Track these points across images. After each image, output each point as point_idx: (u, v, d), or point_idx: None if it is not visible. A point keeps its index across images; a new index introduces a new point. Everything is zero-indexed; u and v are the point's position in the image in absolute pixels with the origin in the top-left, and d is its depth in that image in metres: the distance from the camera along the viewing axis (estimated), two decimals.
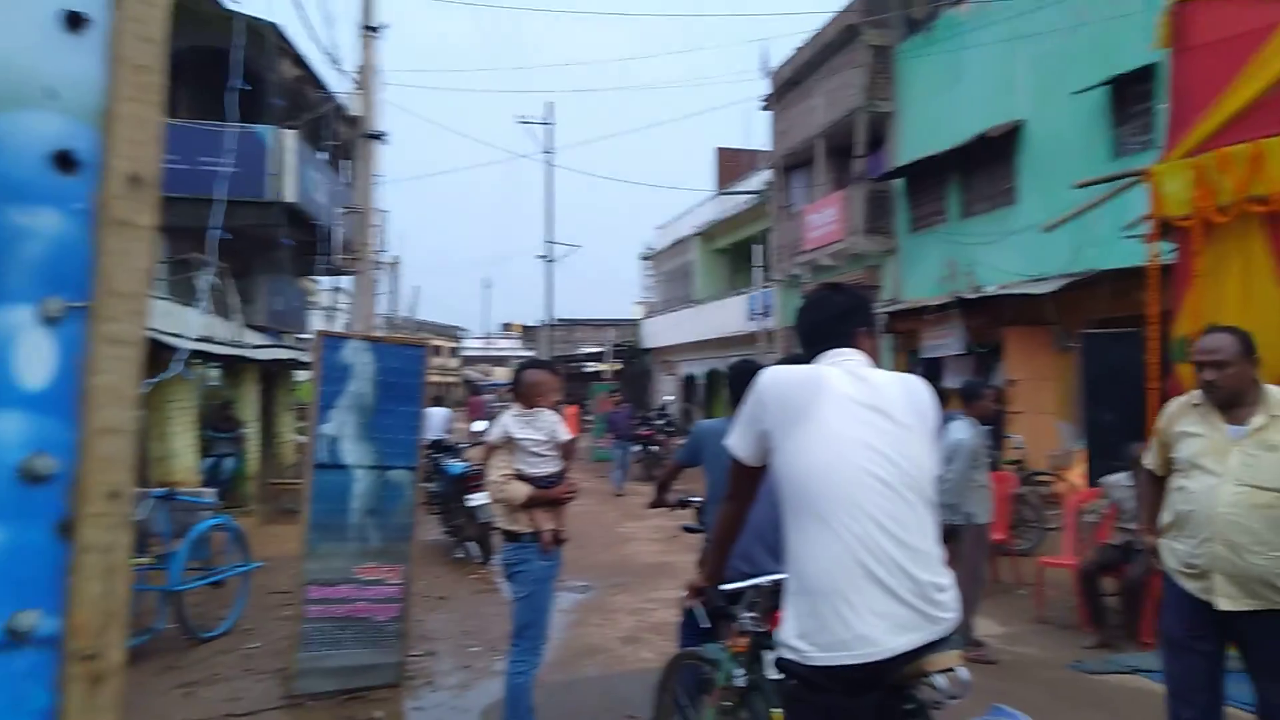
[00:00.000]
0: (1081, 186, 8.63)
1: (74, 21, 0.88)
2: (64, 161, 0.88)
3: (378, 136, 8.02)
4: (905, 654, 2.04)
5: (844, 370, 2.25)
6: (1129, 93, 11.19)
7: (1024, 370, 12.67)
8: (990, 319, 12.89)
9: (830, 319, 2.40)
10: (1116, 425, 8.00)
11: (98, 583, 0.87)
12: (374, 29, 7.68)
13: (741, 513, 2.58)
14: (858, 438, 2.13)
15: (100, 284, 0.88)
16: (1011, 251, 13.10)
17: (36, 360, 0.88)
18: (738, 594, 2.95)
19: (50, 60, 0.87)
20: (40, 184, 0.88)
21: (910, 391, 2.27)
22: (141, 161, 0.89)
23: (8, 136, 0.86)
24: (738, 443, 2.34)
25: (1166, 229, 6.63)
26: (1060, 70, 12.21)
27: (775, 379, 2.26)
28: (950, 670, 2.12)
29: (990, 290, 12.78)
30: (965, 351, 13.54)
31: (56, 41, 0.88)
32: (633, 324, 35.79)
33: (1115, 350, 8.56)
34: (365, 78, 7.94)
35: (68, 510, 0.88)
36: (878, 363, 2.38)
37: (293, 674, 4.91)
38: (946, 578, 2.15)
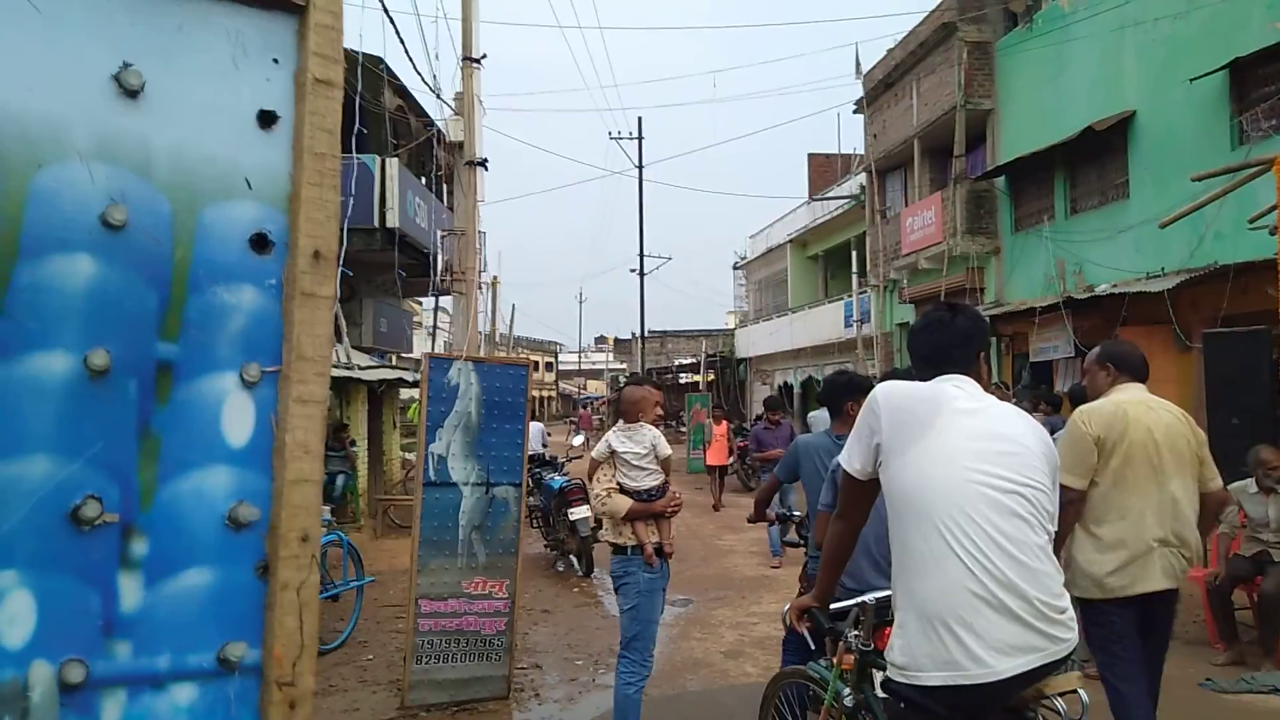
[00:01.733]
0: (1200, 179, 8.22)
1: (266, 119, 1.00)
2: (259, 243, 1.00)
3: (480, 164, 8.28)
4: (1021, 675, 2.00)
5: (961, 393, 2.25)
6: (1251, 76, 10.57)
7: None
8: (1102, 319, 12.33)
9: (952, 344, 2.36)
10: (1243, 428, 7.55)
11: (292, 617, 0.97)
12: (475, 60, 7.94)
13: (853, 532, 2.55)
14: (977, 454, 2.11)
15: (290, 350, 0.99)
16: (1123, 248, 12.53)
17: (239, 420, 0.99)
18: (844, 612, 2.93)
19: (248, 155, 1.00)
20: (242, 264, 1.00)
21: (1026, 419, 2.27)
22: (322, 239, 1.00)
23: (217, 225, 0.98)
24: (850, 456, 2.33)
25: None
26: (1173, 57, 11.63)
27: (892, 393, 2.25)
28: (1071, 692, 2.07)
29: (1102, 289, 12.25)
30: (1076, 354, 13.01)
31: (253, 138, 1.00)
32: (726, 334, 35.67)
33: (1241, 349, 8.10)
34: (467, 108, 8.20)
35: (266, 553, 0.99)
36: (986, 384, 2.36)
37: (406, 686, 5.09)
38: (1065, 598, 2.10)
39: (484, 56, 8.10)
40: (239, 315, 0.99)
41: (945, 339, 2.37)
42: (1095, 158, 13.30)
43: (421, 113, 14.48)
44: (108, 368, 0.91)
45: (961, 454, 2.11)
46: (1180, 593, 3.62)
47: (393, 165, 11.50)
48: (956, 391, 2.23)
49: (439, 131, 13.41)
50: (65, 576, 0.89)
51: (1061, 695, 2.08)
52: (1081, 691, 2.09)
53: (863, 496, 2.41)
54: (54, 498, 0.88)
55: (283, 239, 1.00)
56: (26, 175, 0.89)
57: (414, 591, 5.11)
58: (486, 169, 8.44)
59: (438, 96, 8.21)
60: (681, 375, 35.62)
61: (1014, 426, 2.19)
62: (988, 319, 2.62)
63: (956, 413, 2.16)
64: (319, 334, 0.99)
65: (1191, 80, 11.00)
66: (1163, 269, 11.54)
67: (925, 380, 2.35)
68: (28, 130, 0.89)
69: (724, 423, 16.09)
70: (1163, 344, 11.71)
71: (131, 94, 0.93)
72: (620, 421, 4.63)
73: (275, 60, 1.01)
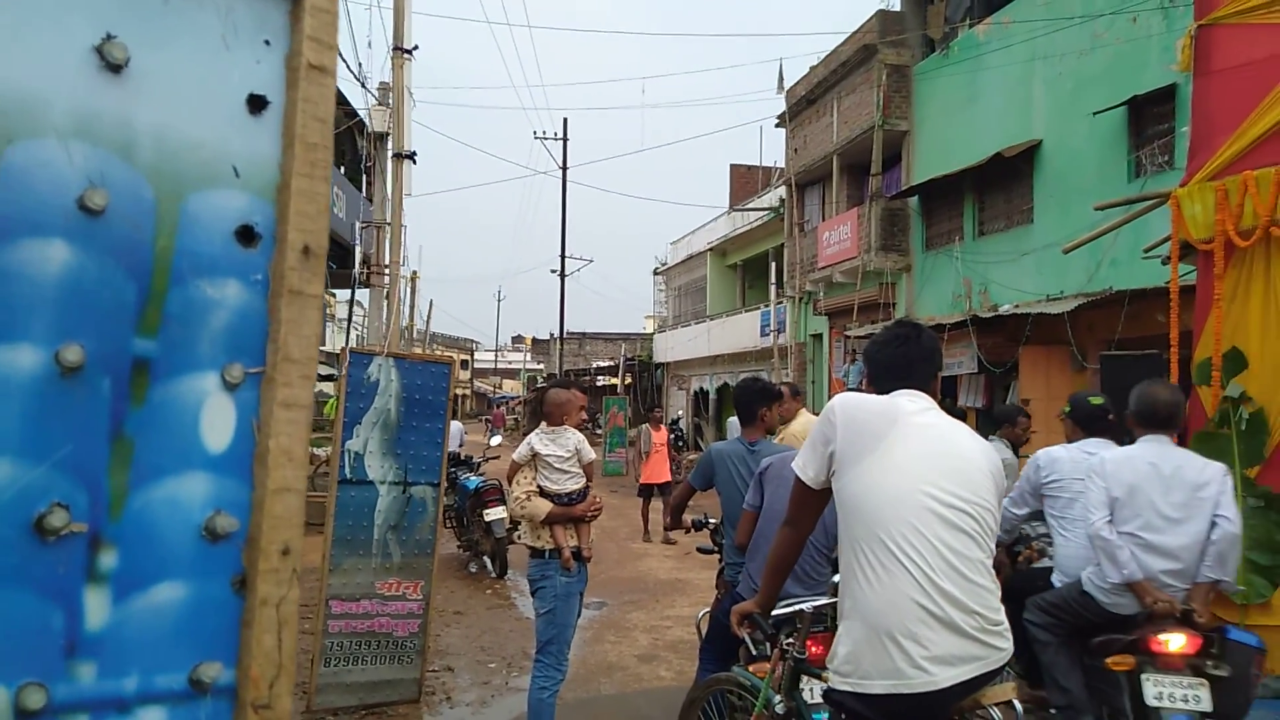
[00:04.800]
0: (1101, 209, 8.65)
1: (256, 104, 0.94)
2: (246, 235, 0.94)
3: (409, 156, 8.12)
4: (960, 685, 2.06)
5: (917, 407, 2.29)
6: (1147, 114, 11.22)
7: (1039, 390, 12.63)
8: (1005, 338, 12.87)
9: (916, 358, 2.41)
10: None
11: (270, 635, 0.91)
12: (407, 51, 7.77)
13: (801, 539, 2.57)
14: (928, 469, 2.16)
15: (275, 351, 0.93)
16: (1027, 271, 13.11)
17: (219, 424, 0.93)
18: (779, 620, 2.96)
19: (235, 141, 0.93)
20: (226, 258, 0.93)
21: (975, 438, 2.35)
22: (312, 234, 0.94)
23: (201, 214, 0.91)
24: (804, 464, 2.35)
25: (1187, 251, 6.64)
26: (1078, 90, 12.25)
27: (850, 404, 2.29)
28: (1006, 703, 2.14)
29: (1006, 309, 12.78)
30: (979, 370, 13.52)
31: (241, 123, 0.94)
32: (644, 338, 35.85)
33: (1134, 372, 8.54)
34: (397, 99, 8.03)
35: (243, 566, 0.93)
36: (938, 404, 2.41)
37: (313, 689, 4.94)
38: (1002, 612, 2.17)
39: (415, 48, 7.92)
40: (222, 312, 0.92)
41: (911, 353, 2.41)
42: (1003, 183, 13.88)
43: (342, 101, 14.11)
44: (81, 364, 0.83)
45: (913, 468, 2.15)
46: None
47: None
48: (912, 406, 2.28)
49: (360, 121, 13.06)
50: (26, 591, 0.81)
51: (997, 705, 2.15)
52: (1016, 702, 2.17)
53: (813, 504, 2.44)
54: (16, 505, 0.80)
55: (270, 232, 0.94)
56: None
57: (324, 592, 4.96)
58: (415, 162, 8.27)
59: (363, 85, 8.00)
60: (599, 378, 35.59)
61: (964, 444, 2.25)
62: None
63: (911, 427, 2.21)
64: (306, 334, 0.93)
65: (1094, 114, 11.60)
66: (1062, 292, 12.11)
67: (884, 393, 2.39)
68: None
69: (663, 429, 13.74)
70: (1060, 363, 12.29)
71: (114, 68, 0.85)
72: (543, 424, 4.60)
73: (267, 42, 0.95)
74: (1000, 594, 2.19)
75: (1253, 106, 6.02)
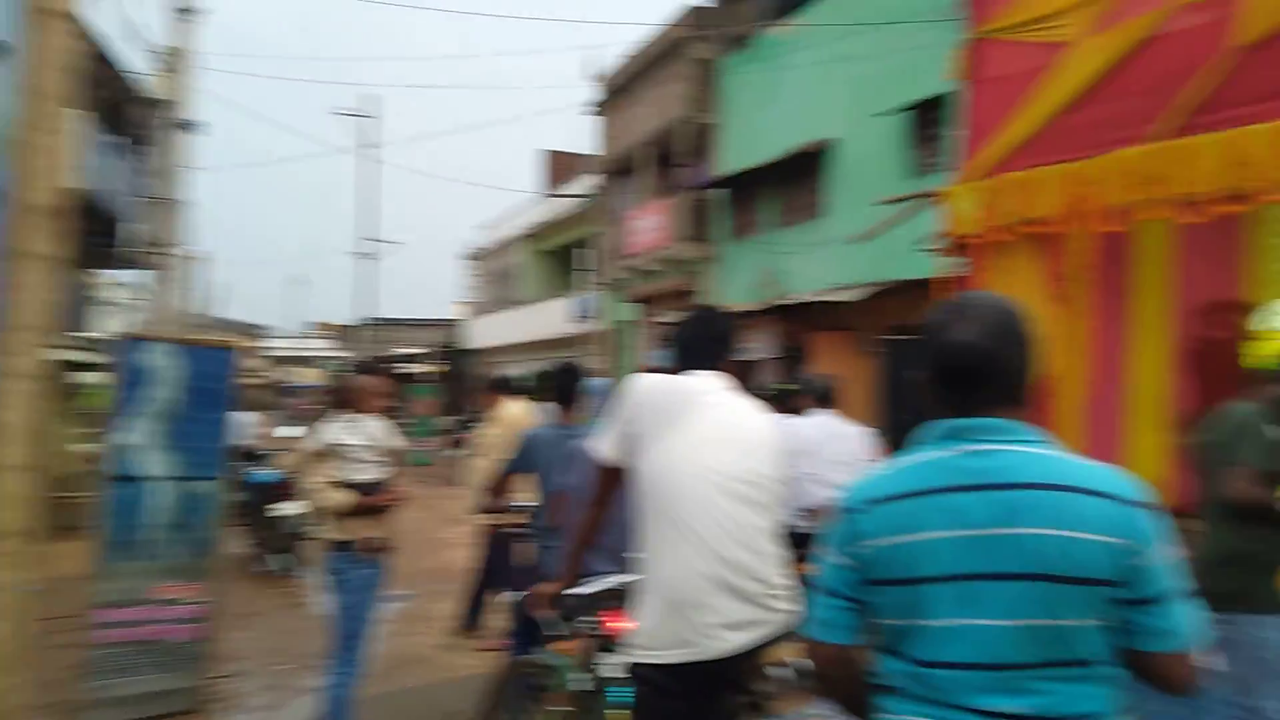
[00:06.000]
0: (883, 204, 9.36)
1: None
2: None
3: (189, 125, 7.47)
4: (749, 650, 2.19)
5: (711, 387, 2.38)
6: (927, 117, 12.20)
7: (831, 372, 13.47)
8: (801, 324, 13.65)
9: (709, 340, 2.52)
10: (915, 424, 8.75)
11: (3, 623, 0.82)
12: (189, 12, 7.13)
13: (604, 517, 2.64)
14: (716, 445, 2.26)
15: (7, 318, 0.83)
16: (820, 261, 13.94)
17: None
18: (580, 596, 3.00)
19: None
20: None
21: (761, 415, 2.47)
22: (48, 191, 0.85)
23: None
24: (605, 445, 2.41)
25: (959, 245, 7.33)
26: (869, 93, 13.11)
27: (652, 386, 2.36)
28: (787, 662, 2.30)
29: (801, 298, 13.54)
30: (777, 355, 14.29)
31: None
32: (454, 324, 35.12)
33: (911, 354, 9.34)
34: (177, 63, 7.38)
35: None
36: (737, 387, 2.53)
37: (78, 706, 4.55)
38: (785, 577, 2.32)
39: (197, 10, 7.27)
40: None
41: (703, 335, 2.53)
42: (800, 178, 14.68)
43: (114, 64, 12.78)
44: None
45: (700, 445, 2.26)
46: None
47: (74, 118, 10.02)
48: (705, 385, 2.39)
49: (141, 86, 11.89)
50: None
51: (780, 665, 2.30)
52: (788, 659, 2.32)
53: (614, 483, 2.50)
54: None
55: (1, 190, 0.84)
56: None
57: (91, 600, 4.58)
58: (198, 131, 7.62)
59: (140, 47, 7.24)
60: (406, 365, 34.54)
61: (749, 421, 2.38)
62: (739, 327, 2.91)
63: (703, 406, 2.32)
64: (39, 299, 0.84)
65: (880, 116, 12.50)
66: (851, 282, 12.99)
67: (683, 372, 2.49)
68: None
69: None
70: (850, 348, 13.20)
71: None
72: (342, 412, 4.45)
73: None
74: (784, 560, 2.35)
75: (1009, 114, 6.75)
